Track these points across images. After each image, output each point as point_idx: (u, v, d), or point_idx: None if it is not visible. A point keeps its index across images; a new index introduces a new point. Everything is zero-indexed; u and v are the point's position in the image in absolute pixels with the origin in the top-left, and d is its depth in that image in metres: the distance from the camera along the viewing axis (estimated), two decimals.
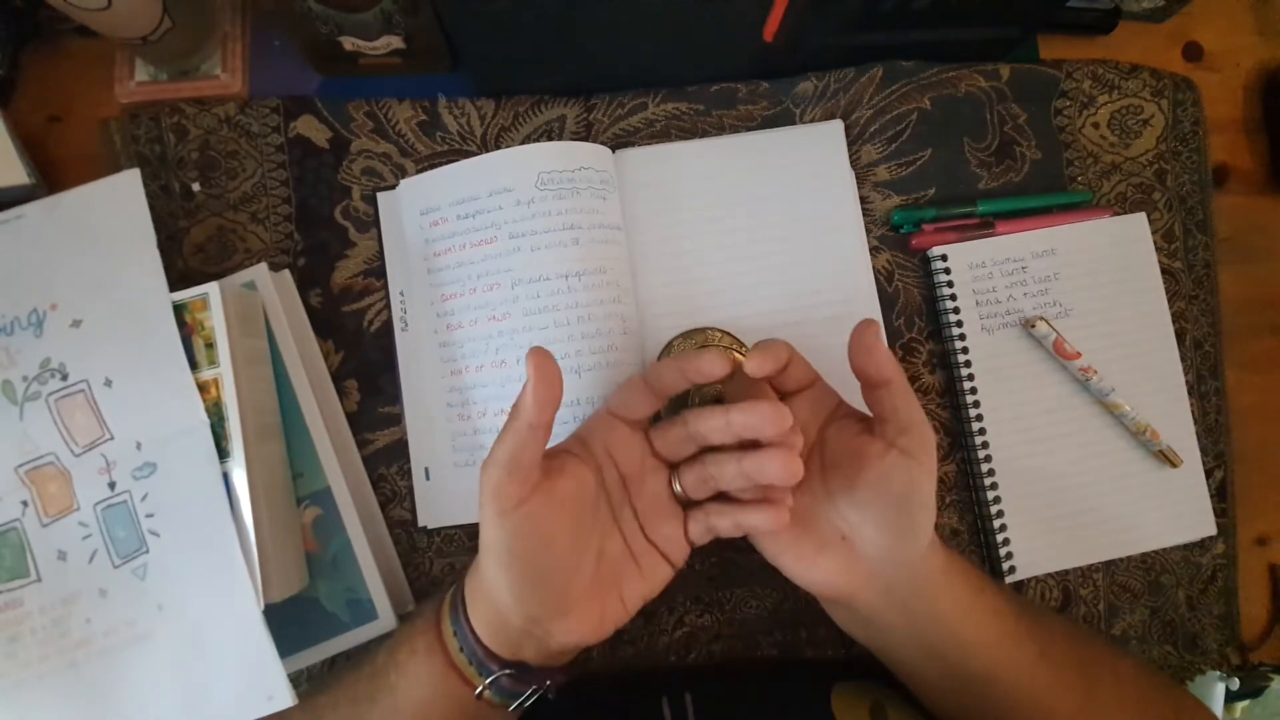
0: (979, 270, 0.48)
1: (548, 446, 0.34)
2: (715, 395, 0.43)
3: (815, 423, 0.38)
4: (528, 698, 0.35)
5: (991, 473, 0.47)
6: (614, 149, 0.47)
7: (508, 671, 0.34)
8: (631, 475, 0.38)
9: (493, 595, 0.34)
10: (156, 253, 0.39)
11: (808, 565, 0.36)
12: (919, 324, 0.48)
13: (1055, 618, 0.44)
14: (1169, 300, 0.49)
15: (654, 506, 0.38)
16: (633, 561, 0.37)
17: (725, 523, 0.36)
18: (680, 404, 0.44)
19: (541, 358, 0.32)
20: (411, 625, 0.37)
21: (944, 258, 0.47)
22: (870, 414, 0.36)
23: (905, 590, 0.36)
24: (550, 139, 0.47)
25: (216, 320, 0.38)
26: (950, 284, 0.47)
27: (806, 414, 0.38)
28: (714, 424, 0.35)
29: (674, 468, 0.38)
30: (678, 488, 0.38)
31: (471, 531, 0.45)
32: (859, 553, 0.36)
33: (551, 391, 0.32)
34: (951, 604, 0.36)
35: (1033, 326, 0.47)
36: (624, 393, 0.38)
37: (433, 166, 0.46)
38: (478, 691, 0.34)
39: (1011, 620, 0.37)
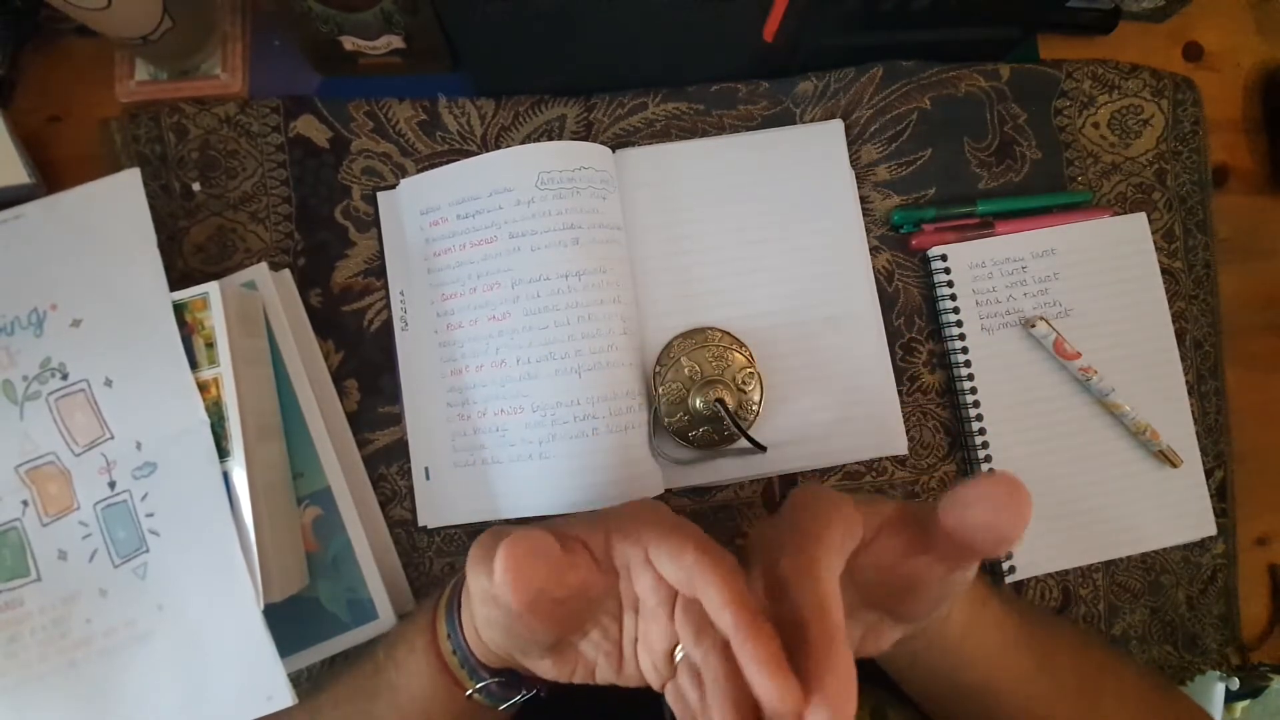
0: (979, 270, 0.48)
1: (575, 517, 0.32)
2: (717, 398, 0.43)
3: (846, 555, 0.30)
4: (517, 701, 0.36)
5: (991, 472, 0.47)
6: (614, 149, 0.47)
7: (498, 679, 0.34)
8: (645, 611, 0.31)
9: (478, 629, 0.33)
10: (156, 253, 0.39)
11: None
12: (919, 324, 0.48)
13: (1058, 625, 0.43)
14: (1169, 300, 0.49)
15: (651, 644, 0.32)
16: (617, 654, 0.32)
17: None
18: (680, 406, 0.44)
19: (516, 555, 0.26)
20: (412, 621, 0.37)
21: (944, 258, 0.47)
22: (900, 504, 0.31)
23: None
24: (550, 139, 0.47)
25: (216, 320, 0.38)
26: (950, 284, 0.47)
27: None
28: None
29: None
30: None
31: (471, 531, 0.45)
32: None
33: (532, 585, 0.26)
34: (953, 617, 0.36)
35: (1033, 326, 0.47)
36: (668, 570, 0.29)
37: (433, 166, 0.46)
38: (468, 694, 0.34)
39: (1012, 631, 0.37)
